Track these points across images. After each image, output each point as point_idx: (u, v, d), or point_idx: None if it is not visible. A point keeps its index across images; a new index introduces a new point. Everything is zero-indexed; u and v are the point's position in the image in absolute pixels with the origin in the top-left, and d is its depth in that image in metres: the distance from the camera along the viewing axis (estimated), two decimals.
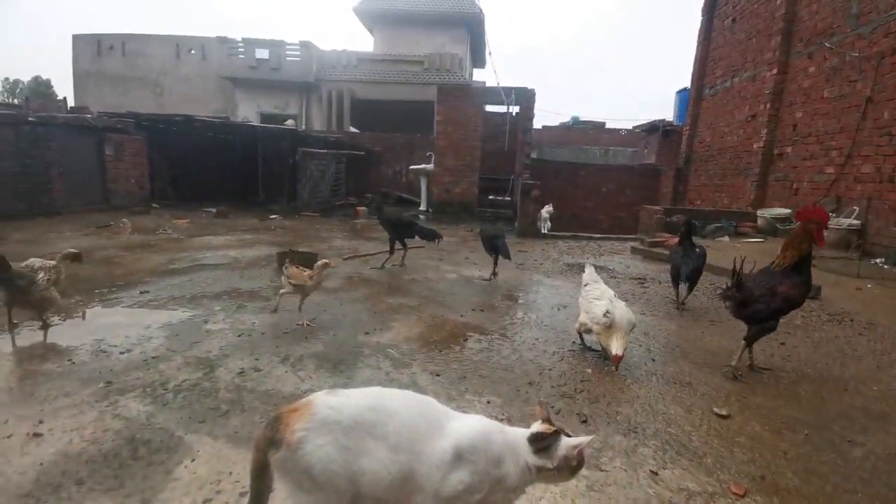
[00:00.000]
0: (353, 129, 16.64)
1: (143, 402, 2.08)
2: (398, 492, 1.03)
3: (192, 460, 1.68)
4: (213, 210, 9.03)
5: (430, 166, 11.12)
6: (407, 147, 13.24)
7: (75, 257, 2.95)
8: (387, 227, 5.19)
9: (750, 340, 2.65)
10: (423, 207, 11.34)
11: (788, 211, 7.42)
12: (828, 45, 7.17)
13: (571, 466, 1.11)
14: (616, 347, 2.54)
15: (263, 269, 4.75)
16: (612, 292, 2.82)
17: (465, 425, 1.12)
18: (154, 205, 9.61)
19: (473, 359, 2.75)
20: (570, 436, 1.16)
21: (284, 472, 1.01)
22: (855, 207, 6.48)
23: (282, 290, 3.26)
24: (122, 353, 2.60)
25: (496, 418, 2.06)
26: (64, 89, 51.32)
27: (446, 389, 2.34)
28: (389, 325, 3.24)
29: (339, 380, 2.38)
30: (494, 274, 4.74)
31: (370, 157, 12.97)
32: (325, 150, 10.74)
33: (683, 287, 3.97)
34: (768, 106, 8.38)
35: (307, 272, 3.17)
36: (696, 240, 7.50)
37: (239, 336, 2.89)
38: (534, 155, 16.60)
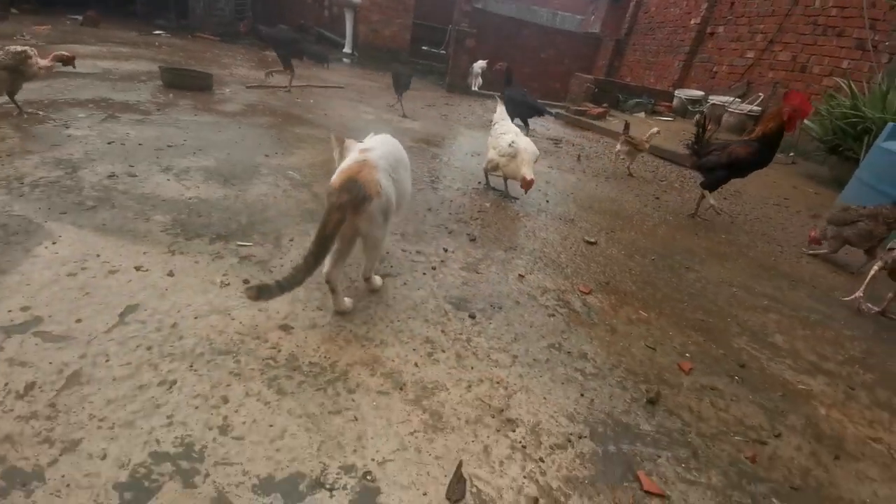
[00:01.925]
0: None
1: None
2: (405, 197, 1.61)
3: (54, 243, 1.58)
4: (79, 17, 7.26)
5: None
6: None
7: (67, 60, 2.94)
8: (273, 46, 5.06)
9: (703, 186, 3.24)
10: (347, 49, 10.09)
11: (701, 93, 7.75)
12: None
13: None
14: (527, 171, 2.66)
15: (143, 84, 4.08)
16: (517, 129, 2.87)
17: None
18: (13, 10, 7.49)
19: None
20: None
21: (374, 216, 1.33)
22: (760, 94, 6.92)
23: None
24: None
25: (392, 234, 2.16)
26: None
27: None
28: (293, 152, 3.06)
29: (229, 191, 2.27)
30: (401, 106, 5.19)
31: None
32: None
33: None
34: None
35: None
36: (617, 112, 7.69)
37: (109, 144, 2.57)
38: (478, 5, 14.99)
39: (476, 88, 8.34)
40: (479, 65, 8.46)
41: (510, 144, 2.69)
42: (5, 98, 2.74)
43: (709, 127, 3.34)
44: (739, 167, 3.05)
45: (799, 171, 5.56)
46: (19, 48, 2.66)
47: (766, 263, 2.72)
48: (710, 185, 3.22)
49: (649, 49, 10.34)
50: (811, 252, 2.97)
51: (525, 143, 2.70)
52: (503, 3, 20.94)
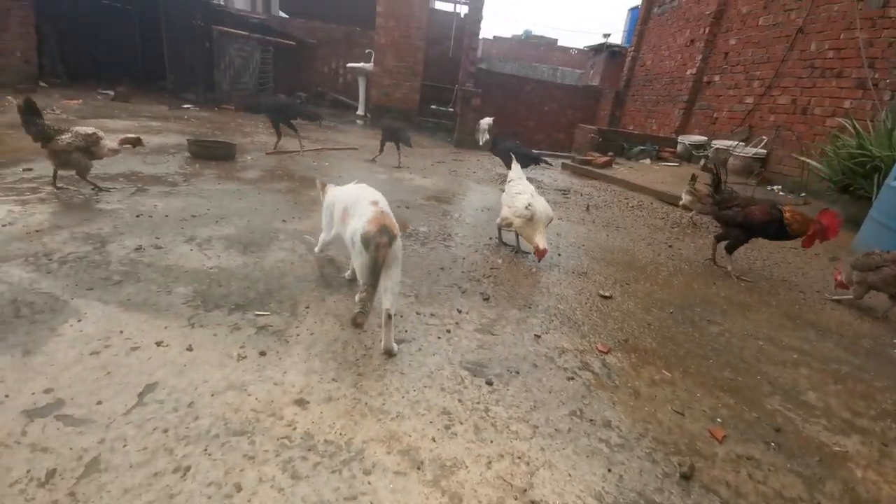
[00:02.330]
0: (282, 14, 14.70)
1: (26, 269, 1.93)
2: None
3: (79, 320, 1.63)
4: (111, 92, 7.87)
5: (370, 66, 10.27)
6: (345, 41, 12.01)
7: (135, 143, 3.20)
8: (267, 114, 5.39)
9: (718, 238, 3.17)
10: (360, 111, 10.67)
11: (704, 139, 7.90)
12: None
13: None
14: (540, 240, 2.68)
15: (172, 156, 4.33)
16: (533, 188, 2.93)
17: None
18: (42, 83, 8.17)
19: None
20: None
21: (398, 248, 1.69)
22: (763, 137, 7.03)
23: None
24: (3, 225, 2.34)
25: (405, 296, 2.17)
26: None
27: None
28: (309, 215, 3.17)
29: (248, 258, 2.34)
30: (397, 158, 5.64)
31: (303, 49, 11.67)
32: (248, 34, 9.46)
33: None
34: (707, 31, 8.47)
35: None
36: (622, 160, 7.85)
37: (137, 216, 2.70)
38: (482, 66, 15.87)
39: (483, 143, 8.63)
40: (486, 121, 8.81)
41: (527, 206, 2.71)
42: (26, 168, 2.95)
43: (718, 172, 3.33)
44: (754, 230, 2.94)
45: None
46: (89, 130, 2.90)
47: (791, 312, 2.64)
48: (729, 246, 3.07)
49: (649, 99, 10.70)
50: (836, 298, 2.89)
51: (541, 207, 2.73)
52: (506, 62, 22.17)
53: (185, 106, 8.09)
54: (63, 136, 2.82)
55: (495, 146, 5.72)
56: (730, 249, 3.09)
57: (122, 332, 1.59)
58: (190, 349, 1.55)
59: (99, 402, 1.28)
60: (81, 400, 1.28)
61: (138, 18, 9.74)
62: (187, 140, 4.52)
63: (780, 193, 6.19)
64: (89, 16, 9.25)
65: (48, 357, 1.43)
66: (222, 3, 14.19)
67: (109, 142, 2.99)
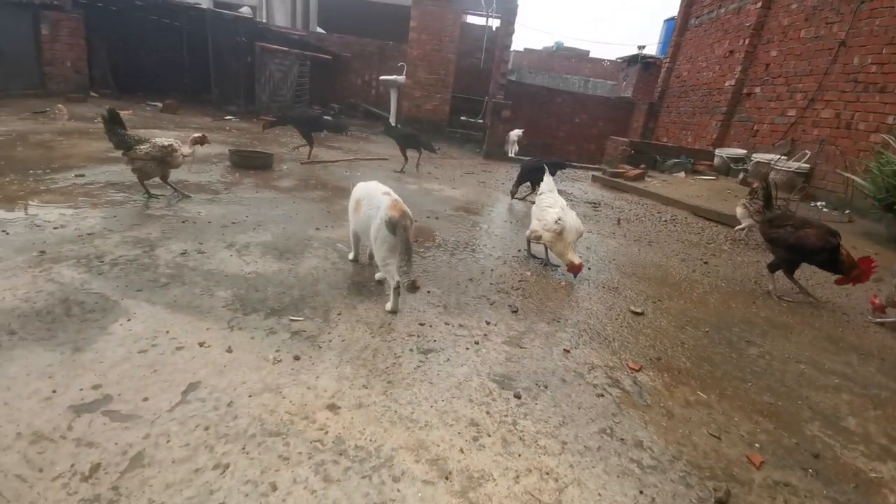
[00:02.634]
0: (319, 30, 15.22)
1: (78, 270, 2.06)
2: None
3: (129, 320, 1.73)
4: (159, 104, 8.34)
5: (402, 78, 10.49)
6: (379, 55, 12.34)
7: (202, 141, 3.44)
8: (296, 126, 5.65)
9: (771, 268, 2.96)
10: (391, 122, 10.89)
11: (744, 152, 7.64)
12: None
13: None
14: (573, 256, 2.66)
15: (215, 166, 4.55)
16: (564, 202, 2.91)
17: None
18: (92, 94, 8.75)
19: (420, 256, 2.84)
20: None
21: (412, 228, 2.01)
22: (807, 151, 6.74)
23: None
24: (56, 227, 2.51)
25: (434, 306, 2.20)
26: None
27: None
28: (342, 224, 3.25)
29: (284, 265, 2.42)
30: (416, 166, 5.81)
31: (338, 62, 12.05)
32: (287, 49, 9.86)
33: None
34: (747, 42, 8.24)
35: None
36: (655, 173, 7.69)
37: (183, 223, 2.84)
38: (512, 77, 15.92)
39: (513, 154, 8.65)
40: (516, 133, 8.85)
41: (557, 221, 2.68)
42: (78, 174, 3.15)
43: (753, 185, 3.18)
44: (804, 255, 2.80)
45: (856, 229, 5.23)
46: (166, 142, 3.10)
47: (834, 335, 2.51)
48: (773, 266, 2.95)
49: (684, 111, 10.46)
50: (879, 321, 2.73)
51: (572, 221, 2.70)
52: (537, 74, 22.17)
53: (227, 117, 8.47)
54: (142, 147, 3.03)
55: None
56: (772, 269, 2.97)
57: (168, 332, 1.68)
58: (230, 350, 1.61)
59: (145, 399, 1.35)
60: (128, 396, 1.35)
61: (186, 34, 10.32)
62: (228, 150, 4.74)
63: (825, 210, 5.91)
64: (139, 30, 9.87)
65: (97, 354, 1.52)
66: (265, 20, 14.85)
67: (184, 148, 3.19)
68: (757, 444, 1.53)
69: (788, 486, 1.36)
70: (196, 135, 3.35)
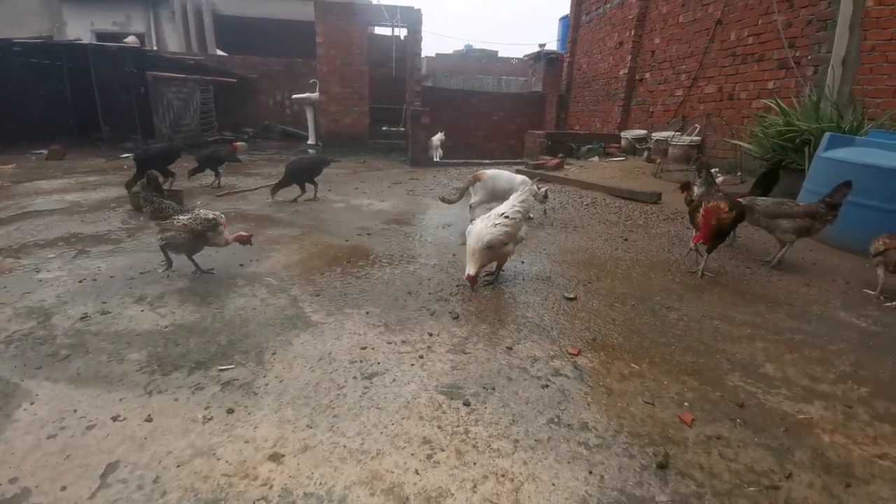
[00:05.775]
0: (219, 53, 14.45)
1: None
2: None
3: (32, 403, 1.53)
4: (44, 151, 7.49)
5: (315, 95, 10.23)
6: (287, 73, 11.95)
7: (246, 241, 2.82)
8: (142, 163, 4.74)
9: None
10: (311, 141, 10.58)
11: (645, 132, 8.32)
12: None
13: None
14: (469, 267, 2.50)
15: (113, 212, 4.15)
16: (501, 210, 2.68)
17: None
18: None
19: (356, 277, 2.79)
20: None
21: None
22: (696, 125, 7.47)
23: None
24: None
25: (374, 326, 2.16)
26: None
27: (325, 306, 2.37)
28: (268, 255, 3.10)
29: (206, 310, 2.26)
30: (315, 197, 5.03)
31: (245, 84, 11.51)
32: (185, 76, 9.25)
33: None
34: (633, 33, 8.99)
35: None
36: (573, 160, 8.12)
37: (80, 282, 2.56)
38: (428, 83, 16.11)
39: (437, 159, 8.75)
40: (438, 137, 8.96)
41: (466, 232, 2.61)
42: None
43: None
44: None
45: (748, 188, 5.89)
46: (211, 215, 2.67)
47: (740, 288, 2.80)
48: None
49: (590, 99, 11.19)
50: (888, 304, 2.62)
51: (475, 232, 2.53)
52: (451, 77, 22.62)
53: (124, 155, 7.78)
54: (181, 217, 2.63)
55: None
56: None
57: (75, 410, 1.50)
58: (149, 419, 1.47)
59: (63, 488, 1.20)
60: (46, 487, 1.21)
61: (67, 71, 9.35)
62: (128, 193, 4.35)
63: (719, 176, 6.57)
64: (16, 75, 8.81)
65: (7, 445, 1.35)
66: (155, 48, 13.85)
67: (227, 233, 2.73)
68: (686, 403, 1.66)
69: (721, 439, 1.49)
70: (243, 233, 2.80)
